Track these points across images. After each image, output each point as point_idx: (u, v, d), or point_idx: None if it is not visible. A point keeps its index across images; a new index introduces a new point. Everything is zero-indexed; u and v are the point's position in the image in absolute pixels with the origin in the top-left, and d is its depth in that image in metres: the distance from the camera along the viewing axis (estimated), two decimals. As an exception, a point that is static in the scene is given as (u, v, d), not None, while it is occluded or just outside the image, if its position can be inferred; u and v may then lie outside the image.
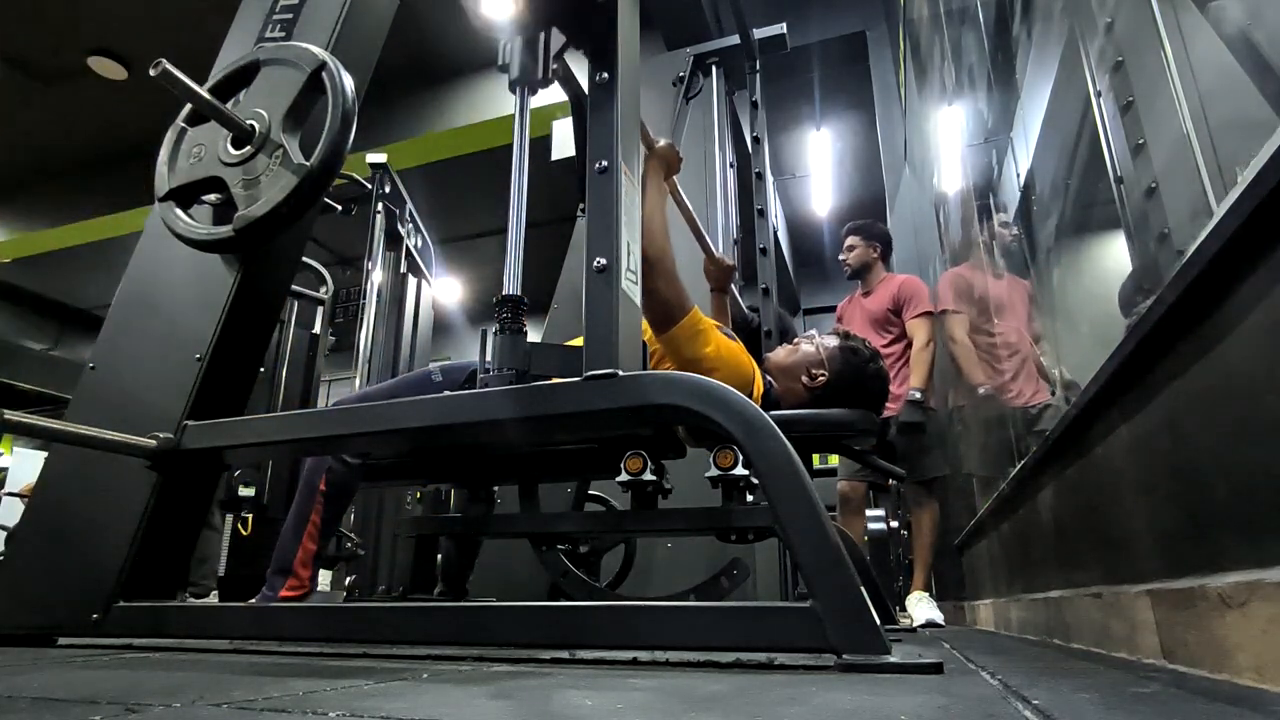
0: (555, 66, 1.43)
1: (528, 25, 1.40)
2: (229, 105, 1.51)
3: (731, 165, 3.34)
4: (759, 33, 3.39)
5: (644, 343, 1.29)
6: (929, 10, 4.07)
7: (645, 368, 1.26)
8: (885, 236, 3.54)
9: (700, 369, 1.48)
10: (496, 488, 1.59)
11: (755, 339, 2.68)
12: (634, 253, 1.27)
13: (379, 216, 3.96)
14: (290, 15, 1.85)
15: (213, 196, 1.56)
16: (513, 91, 1.41)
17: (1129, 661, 1.06)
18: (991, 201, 2.75)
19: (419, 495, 3.63)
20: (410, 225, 4.20)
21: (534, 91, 1.41)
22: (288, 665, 1.06)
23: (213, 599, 3.13)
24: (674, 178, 1.82)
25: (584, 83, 1.39)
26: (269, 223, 1.42)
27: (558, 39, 1.43)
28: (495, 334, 1.23)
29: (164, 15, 5.37)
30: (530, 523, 1.49)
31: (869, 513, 4.09)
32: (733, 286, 2.24)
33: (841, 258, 3.54)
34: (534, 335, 1.41)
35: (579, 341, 1.21)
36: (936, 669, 0.88)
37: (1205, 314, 0.82)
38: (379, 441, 1.40)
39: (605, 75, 1.32)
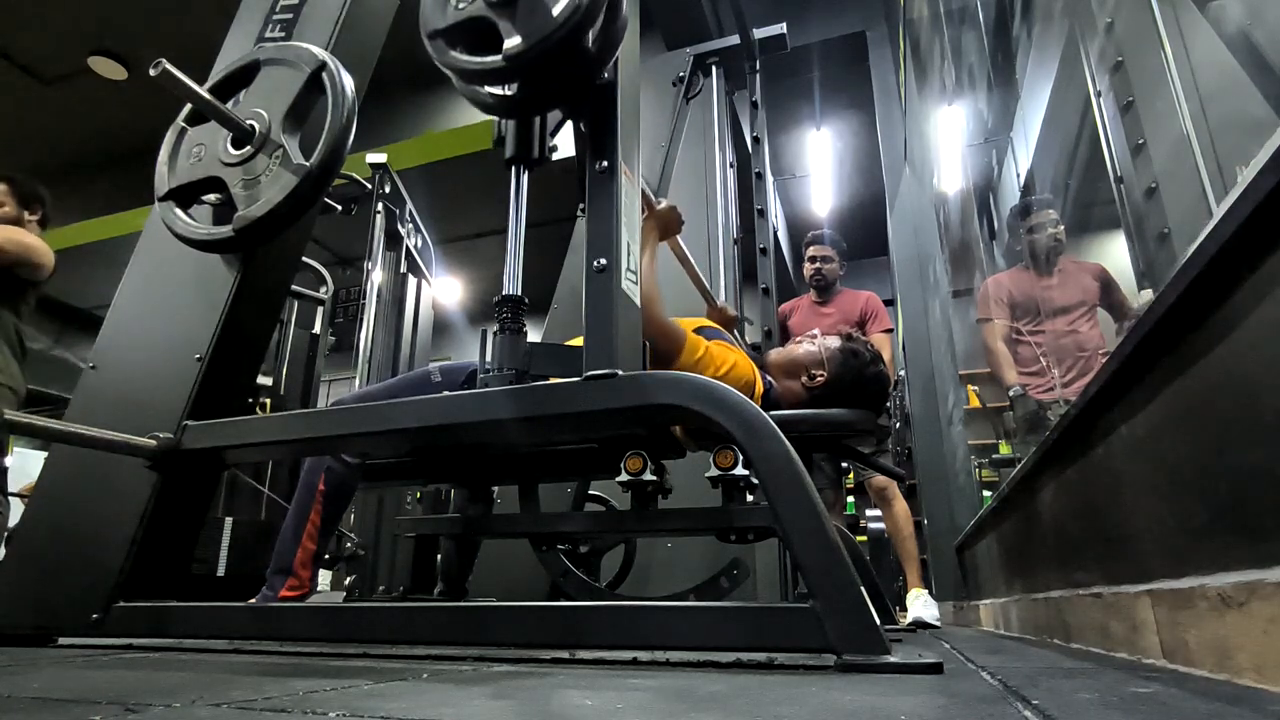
0: (553, 144, 1.36)
1: (523, 111, 1.32)
2: (229, 105, 1.51)
3: (731, 165, 3.34)
4: (759, 33, 3.39)
5: (644, 342, 1.29)
6: (929, 10, 4.07)
7: (645, 368, 1.26)
8: (846, 253, 3.66)
9: None
10: (496, 488, 1.59)
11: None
12: (634, 253, 1.27)
13: (379, 216, 3.95)
14: (290, 15, 1.85)
15: (213, 196, 1.56)
16: (507, 170, 1.34)
17: (1129, 661, 1.06)
18: (1022, 200, 2.73)
19: (419, 495, 3.63)
20: (410, 225, 4.20)
21: (531, 170, 1.34)
22: (288, 665, 1.06)
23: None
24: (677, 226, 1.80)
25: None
26: (269, 223, 1.42)
27: (554, 114, 1.38)
28: (495, 334, 1.23)
29: (164, 15, 5.37)
30: (530, 523, 1.49)
31: (869, 512, 4.13)
32: (734, 334, 2.25)
33: (816, 268, 3.54)
34: (534, 335, 1.41)
35: (579, 341, 1.21)
36: (936, 669, 0.88)
37: (1205, 314, 0.82)
38: (379, 442, 1.40)
39: (605, 76, 1.32)
